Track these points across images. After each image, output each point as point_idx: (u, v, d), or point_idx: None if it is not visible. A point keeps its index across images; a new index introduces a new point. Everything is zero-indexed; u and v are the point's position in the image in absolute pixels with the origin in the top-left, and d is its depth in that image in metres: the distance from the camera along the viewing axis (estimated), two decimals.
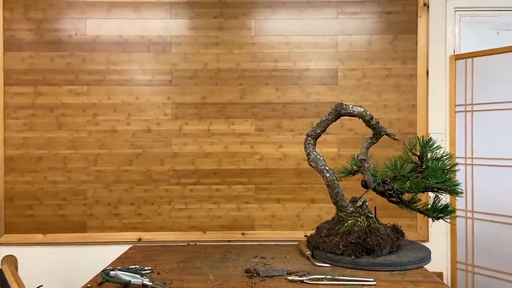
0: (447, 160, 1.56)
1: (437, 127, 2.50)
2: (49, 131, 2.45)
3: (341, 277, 1.36)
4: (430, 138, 1.59)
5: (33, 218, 2.46)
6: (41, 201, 2.46)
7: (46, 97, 2.45)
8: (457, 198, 2.33)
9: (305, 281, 1.35)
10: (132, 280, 1.30)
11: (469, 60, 2.41)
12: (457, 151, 2.46)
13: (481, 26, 2.53)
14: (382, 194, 1.62)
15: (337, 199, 1.60)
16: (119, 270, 1.36)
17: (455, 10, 2.49)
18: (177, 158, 2.47)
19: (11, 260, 1.71)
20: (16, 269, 1.84)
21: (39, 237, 2.46)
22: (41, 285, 2.19)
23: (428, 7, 2.46)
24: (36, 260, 2.46)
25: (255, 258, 1.64)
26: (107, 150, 2.46)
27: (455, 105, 2.46)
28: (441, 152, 1.58)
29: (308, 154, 1.64)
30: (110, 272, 1.33)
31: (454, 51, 2.49)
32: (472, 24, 2.52)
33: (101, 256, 2.45)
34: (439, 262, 2.47)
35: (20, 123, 2.45)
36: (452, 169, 1.57)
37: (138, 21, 2.46)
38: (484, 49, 2.37)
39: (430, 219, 1.65)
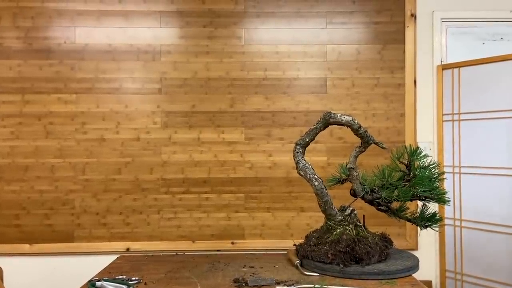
0: (434, 169, 1.58)
1: (425, 136, 2.52)
2: (37, 140, 2.43)
3: (329, 286, 1.35)
4: (418, 147, 1.60)
5: (19, 228, 2.42)
6: (28, 211, 2.42)
7: (34, 105, 2.43)
8: (445, 206, 2.35)
9: None
10: None
11: (455, 70, 2.45)
12: (445, 160, 2.48)
13: (467, 37, 2.57)
14: (370, 202, 1.63)
15: (326, 207, 1.60)
16: (105, 280, 1.35)
17: (442, 21, 2.53)
18: (167, 166, 2.46)
19: None
20: (2, 280, 1.81)
21: (26, 247, 2.42)
22: None
23: (415, 17, 2.50)
24: (22, 271, 2.41)
25: (244, 267, 1.64)
26: (96, 158, 2.44)
27: (443, 114, 2.49)
28: (428, 161, 1.60)
29: (297, 163, 1.64)
30: (96, 283, 1.32)
31: (441, 61, 2.53)
32: (458, 35, 2.56)
33: (89, 266, 2.41)
34: (428, 270, 2.48)
35: (7, 131, 2.42)
36: (439, 178, 1.58)
37: (128, 29, 2.46)
38: (471, 59, 2.40)
39: (418, 228, 1.66)
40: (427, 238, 2.48)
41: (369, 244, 1.51)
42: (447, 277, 2.46)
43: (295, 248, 1.73)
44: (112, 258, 1.94)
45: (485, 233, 2.32)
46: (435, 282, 2.50)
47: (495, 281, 2.28)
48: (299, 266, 1.58)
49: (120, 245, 2.44)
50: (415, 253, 2.34)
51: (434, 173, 1.57)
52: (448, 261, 2.46)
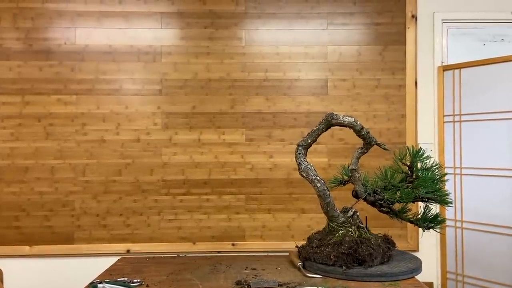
0: (436, 170, 1.57)
1: (426, 137, 2.52)
2: (37, 141, 2.42)
3: None
4: (420, 148, 1.60)
5: (19, 229, 2.41)
6: (28, 212, 2.41)
7: (34, 106, 2.42)
8: (446, 207, 2.34)
9: None
10: None
11: (456, 71, 2.45)
12: (446, 161, 2.48)
13: (468, 38, 2.57)
14: (372, 204, 1.62)
15: (328, 209, 1.60)
16: (107, 282, 1.34)
17: (443, 22, 2.53)
18: (167, 168, 2.45)
19: None
20: (2, 282, 1.80)
21: (26, 249, 2.41)
22: None
23: (416, 19, 2.50)
24: (22, 273, 2.40)
25: (246, 269, 1.63)
26: (96, 160, 2.43)
27: (444, 115, 2.49)
28: (431, 162, 1.59)
29: (299, 164, 1.64)
30: (98, 285, 1.31)
31: (442, 62, 2.53)
32: (459, 36, 2.56)
33: (89, 268, 2.41)
34: (429, 272, 2.48)
35: (7, 132, 2.41)
36: (441, 179, 1.57)
37: (128, 30, 2.45)
38: (471, 60, 2.40)
39: (420, 229, 1.65)
40: (428, 239, 2.47)
41: (371, 246, 1.50)
42: (448, 278, 2.46)
43: (297, 250, 1.72)
44: (112, 259, 1.93)
45: (486, 234, 2.32)
46: (437, 283, 2.49)
47: (496, 282, 2.28)
48: (302, 268, 1.58)
49: (120, 247, 2.43)
50: (416, 254, 2.33)
51: (437, 175, 1.57)
52: (449, 262, 2.46)
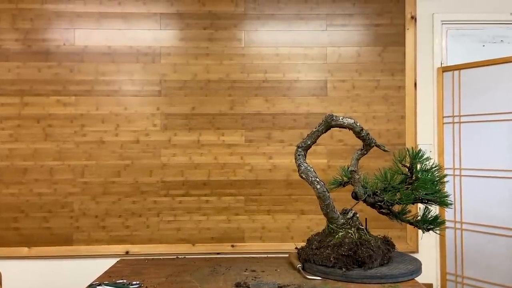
0: (436, 172, 1.57)
1: (425, 138, 2.52)
2: (35, 142, 2.41)
3: None
4: (420, 150, 1.59)
5: (18, 231, 2.41)
6: (27, 214, 2.41)
7: (33, 107, 2.42)
8: (446, 209, 2.34)
9: None
10: None
11: (456, 72, 2.45)
12: (445, 162, 2.47)
13: (467, 39, 2.57)
14: (372, 205, 1.62)
15: (328, 210, 1.59)
16: (106, 284, 1.33)
17: (442, 23, 2.53)
18: (166, 169, 2.45)
19: None
20: (0, 283, 1.79)
21: (24, 250, 2.40)
22: None
23: (415, 20, 2.50)
24: (21, 274, 2.40)
25: (245, 271, 1.62)
26: (95, 161, 2.43)
27: (443, 117, 2.49)
28: (431, 164, 1.59)
29: (298, 166, 1.63)
30: (97, 287, 1.30)
31: (441, 63, 2.53)
32: (458, 37, 2.56)
33: (88, 270, 2.41)
34: (429, 273, 2.47)
35: (6, 134, 2.41)
36: (441, 181, 1.57)
37: (127, 31, 2.44)
38: (471, 62, 2.40)
39: (420, 231, 1.65)
40: (427, 241, 2.47)
41: (371, 248, 1.50)
42: (447, 280, 2.46)
43: (296, 251, 1.72)
44: (111, 261, 1.92)
45: (486, 235, 2.32)
46: (436, 285, 2.49)
47: (495, 284, 2.28)
48: (301, 270, 1.57)
49: (119, 248, 2.43)
50: (415, 255, 2.33)
51: (436, 176, 1.56)
52: (448, 263, 2.45)
